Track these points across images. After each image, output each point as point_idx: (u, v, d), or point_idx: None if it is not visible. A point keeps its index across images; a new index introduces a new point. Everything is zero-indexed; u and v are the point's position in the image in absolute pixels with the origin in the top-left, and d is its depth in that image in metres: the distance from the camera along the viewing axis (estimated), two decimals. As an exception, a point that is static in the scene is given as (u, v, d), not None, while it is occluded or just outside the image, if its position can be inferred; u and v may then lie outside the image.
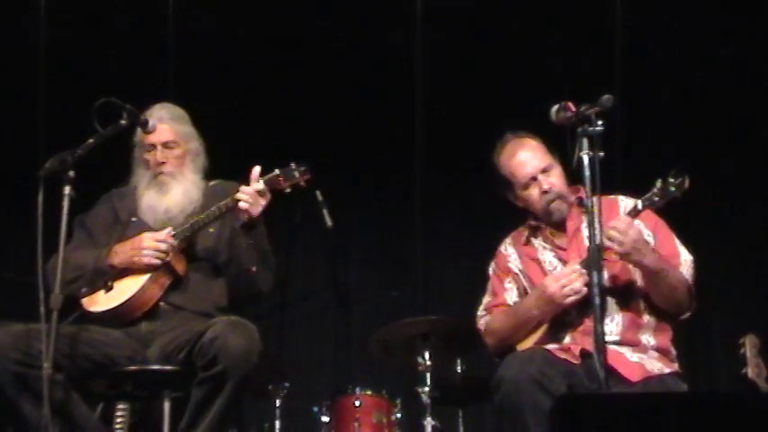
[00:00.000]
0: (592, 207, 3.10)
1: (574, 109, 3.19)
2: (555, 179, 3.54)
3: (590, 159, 3.12)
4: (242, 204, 3.61)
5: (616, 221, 3.28)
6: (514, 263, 3.67)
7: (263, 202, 3.63)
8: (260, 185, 3.62)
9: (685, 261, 3.46)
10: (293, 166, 3.69)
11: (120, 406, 3.76)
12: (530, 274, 3.60)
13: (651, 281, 3.37)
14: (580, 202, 3.54)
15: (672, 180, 3.22)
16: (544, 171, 3.53)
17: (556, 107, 3.23)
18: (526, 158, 3.55)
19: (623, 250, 3.26)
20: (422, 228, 5.95)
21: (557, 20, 5.65)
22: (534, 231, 3.66)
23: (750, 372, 3.40)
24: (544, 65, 5.64)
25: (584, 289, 3.28)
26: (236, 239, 3.72)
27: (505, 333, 3.58)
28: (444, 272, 5.95)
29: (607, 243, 3.24)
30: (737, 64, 5.52)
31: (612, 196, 3.58)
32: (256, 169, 3.65)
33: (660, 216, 3.49)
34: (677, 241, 3.51)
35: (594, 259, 3.05)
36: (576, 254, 3.49)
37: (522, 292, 3.61)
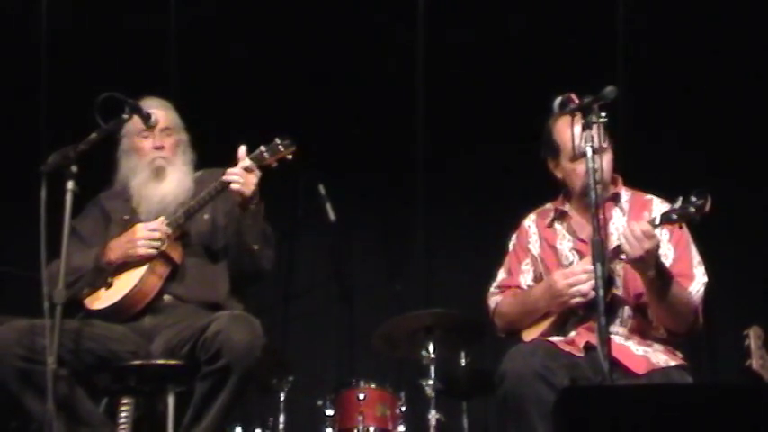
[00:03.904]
0: (595, 200, 3.09)
1: (577, 101, 3.18)
2: (605, 163, 3.39)
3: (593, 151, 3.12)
4: (233, 186, 3.60)
5: (638, 225, 3.20)
6: (534, 245, 3.63)
7: (253, 179, 3.62)
8: (246, 162, 3.61)
9: (697, 283, 3.39)
10: (278, 140, 3.67)
11: (125, 401, 3.76)
12: (546, 260, 3.57)
13: (652, 294, 3.31)
14: (615, 198, 3.53)
15: (693, 199, 3.14)
16: (595, 152, 3.32)
17: (559, 99, 3.22)
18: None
19: (633, 256, 3.20)
20: (424, 220, 5.95)
21: (559, 13, 5.64)
22: (560, 216, 3.61)
23: (754, 363, 3.40)
24: (546, 59, 5.63)
25: (592, 293, 3.21)
26: (239, 221, 3.71)
27: (513, 317, 3.57)
28: (448, 265, 5.94)
29: (621, 241, 3.22)
30: (742, 53, 5.51)
31: (649, 196, 3.54)
32: (242, 148, 3.65)
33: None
34: (695, 261, 3.43)
35: (598, 252, 3.03)
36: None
37: (538, 277, 3.59)
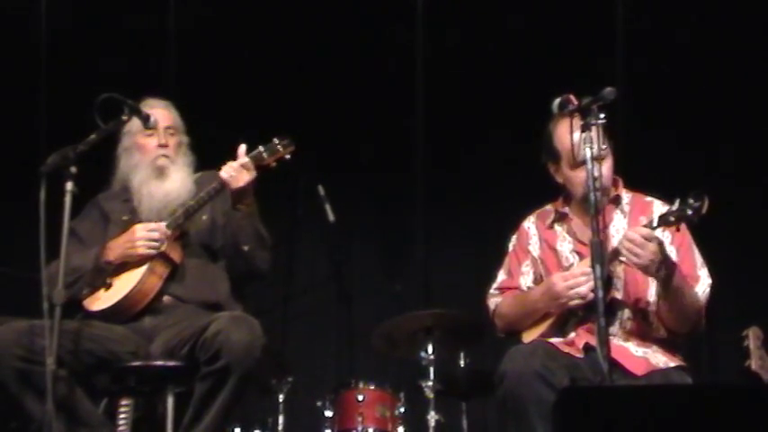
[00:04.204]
0: (594, 203, 3.09)
1: (576, 102, 3.17)
2: (604, 169, 3.39)
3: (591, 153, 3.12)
4: (224, 175, 3.62)
5: (636, 231, 3.21)
6: (534, 246, 3.63)
7: (246, 176, 3.63)
8: (244, 159, 3.64)
9: (702, 284, 3.40)
10: (276, 140, 3.68)
11: (124, 401, 3.76)
12: (546, 262, 3.57)
13: (665, 293, 3.31)
14: (617, 200, 3.52)
15: (691, 201, 3.14)
16: (597, 159, 3.32)
17: (558, 100, 3.21)
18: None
19: (640, 263, 3.21)
20: (424, 221, 5.94)
21: (558, 13, 5.64)
22: (561, 218, 3.60)
23: (753, 364, 3.40)
24: (545, 59, 5.63)
25: (591, 295, 3.22)
26: (230, 220, 3.72)
27: (512, 319, 3.58)
28: (447, 265, 5.94)
29: (623, 251, 3.22)
30: (742, 53, 5.51)
31: (649, 198, 3.54)
32: (242, 147, 3.67)
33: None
34: (699, 262, 3.44)
35: (597, 253, 3.03)
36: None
37: (538, 278, 3.59)
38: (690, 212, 3.15)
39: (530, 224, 3.69)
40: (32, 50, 5.65)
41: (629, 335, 3.40)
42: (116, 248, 3.72)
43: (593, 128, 3.12)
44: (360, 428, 4.55)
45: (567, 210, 3.59)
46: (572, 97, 3.19)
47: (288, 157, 3.69)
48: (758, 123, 5.47)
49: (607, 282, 3.32)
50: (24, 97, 5.63)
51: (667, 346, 3.42)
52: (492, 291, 3.69)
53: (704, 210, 3.13)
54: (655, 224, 3.23)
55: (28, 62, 5.64)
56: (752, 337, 3.45)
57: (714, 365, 5.39)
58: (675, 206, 3.19)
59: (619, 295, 3.42)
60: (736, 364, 3.49)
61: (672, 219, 3.19)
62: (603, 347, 2.94)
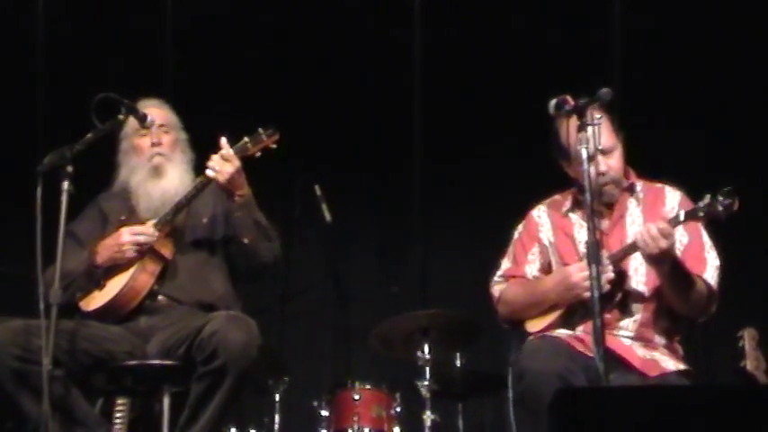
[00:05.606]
0: (591, 201, 3.09)
1: (572, 102, 3.18)
2: (614, 161, 3.44)
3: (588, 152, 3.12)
4: (209, 172, 3.63)
5: (655, 225, 3.20)
6: (546, 233, 3.61)
7: (228, 167, 3.62)
8: (224, 150, 3.63)
9: (710, 268, 3.40)
10: (260, 130, 3.68)
11: (120, 401, 3.76)
12: (561, 249, 3.55)
13: (667, 286, 3.33)
14: (631, 188, 3.53)
15: (721, 199, 3.15)
16: (605, 152, 3.40)
17: (555, 101, 3.21)
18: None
19: (648, 253, 3.22)
20: (421, 221, 5.95)
21: (557, 12, 5.65)
22: (577, 205, 3.58)
23: (749, 365, 3.41)
24: (544, 58, 5.63)
25: (607, 287, 3.24)
26: (230, 214, 3.72)
27: (518, 306, 3.56)
28: (444, 266, 5.94)
29: (637, 238, 3.22)
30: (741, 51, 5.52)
31: (660, 185, 3.55)
32: (223, 138, 3.67)
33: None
34: (708, 246, 3.44)
35: (593, 253, 3.03)
36: (616, 240, 3.43)
37: (546, 266, 3.58)
38: (720, 209, 3.15)
39: (540, 212, 3.67)
40: (30, 50, 5.65)
41: (641, 327, 3.40)
42: (104, 251, 3.71)
43: (590, 128, 3.13)
44: (356, 428, 4.55)
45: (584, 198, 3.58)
46: (568, 98, 3.19)
47: (273, 146, 3.69)
48: (757, 122, 5.47)
49: (620, 277, 3.34)
50: (22, 97, 5.63)
51: (671, 350, 3.43)
52: (496, 278, 3.68)
53: (735, 208, 3.14)
54: (681, 218, 3.23)
55: (25, 62, 5.64)
56: (747, 338, 3.45)
57: (709, 366, 5.39)
58: (705, 201, 3.20)
59: (634, 287, 3.41)
60: (732, 364, 3.49)
61: (700, 214, 3.20)
62: (600, 347, 2.94)
